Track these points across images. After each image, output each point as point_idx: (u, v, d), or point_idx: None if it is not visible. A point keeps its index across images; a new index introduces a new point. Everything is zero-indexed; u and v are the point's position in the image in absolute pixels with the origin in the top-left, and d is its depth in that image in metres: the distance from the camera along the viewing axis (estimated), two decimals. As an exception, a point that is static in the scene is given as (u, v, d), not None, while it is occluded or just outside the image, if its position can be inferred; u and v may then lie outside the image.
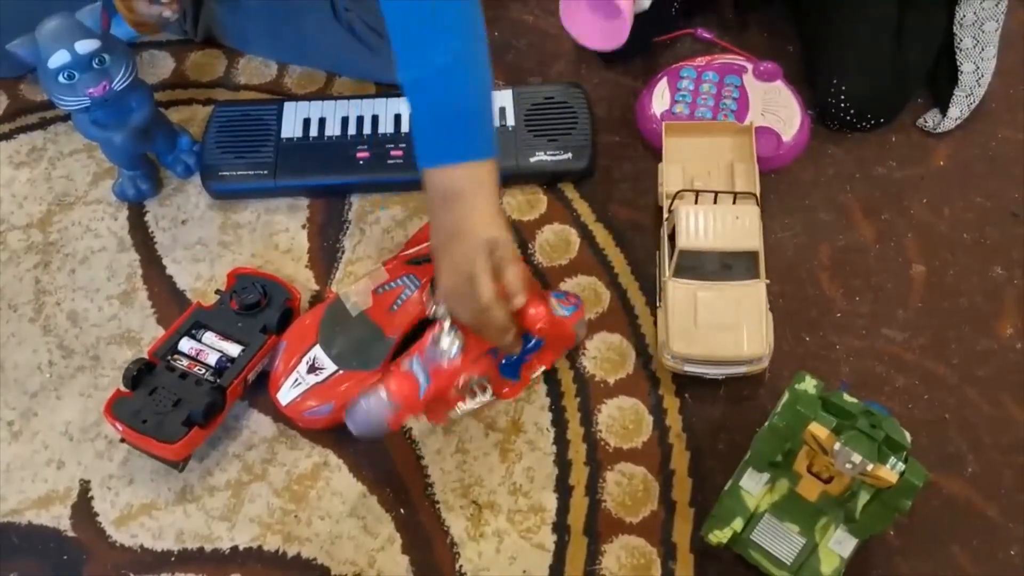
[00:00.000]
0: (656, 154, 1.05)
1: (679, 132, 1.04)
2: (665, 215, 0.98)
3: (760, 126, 1.06)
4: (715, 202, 0.97)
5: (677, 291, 0.91)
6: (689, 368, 0.91)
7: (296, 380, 0.90)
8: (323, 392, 0.90)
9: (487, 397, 0.89)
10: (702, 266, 0.91)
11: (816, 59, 1.13)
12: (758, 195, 0.97)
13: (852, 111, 1.08)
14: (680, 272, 0.92)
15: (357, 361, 0.90)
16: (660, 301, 0.95)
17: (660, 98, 1.11)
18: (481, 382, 0.87)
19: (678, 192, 0.98)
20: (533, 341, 0.89)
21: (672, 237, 0.94)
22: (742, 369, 0.90)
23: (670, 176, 1.02)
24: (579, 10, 0.90)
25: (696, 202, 0.97)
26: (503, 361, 0.88)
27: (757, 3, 1.21)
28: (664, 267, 0.94)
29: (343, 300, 0.94)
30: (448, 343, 0.81)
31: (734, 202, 0.97)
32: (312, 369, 0.91)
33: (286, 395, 0.90)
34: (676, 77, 1.12)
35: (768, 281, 0.92)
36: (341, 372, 0.90)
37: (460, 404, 0.87)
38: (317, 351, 0.91)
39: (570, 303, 0.91)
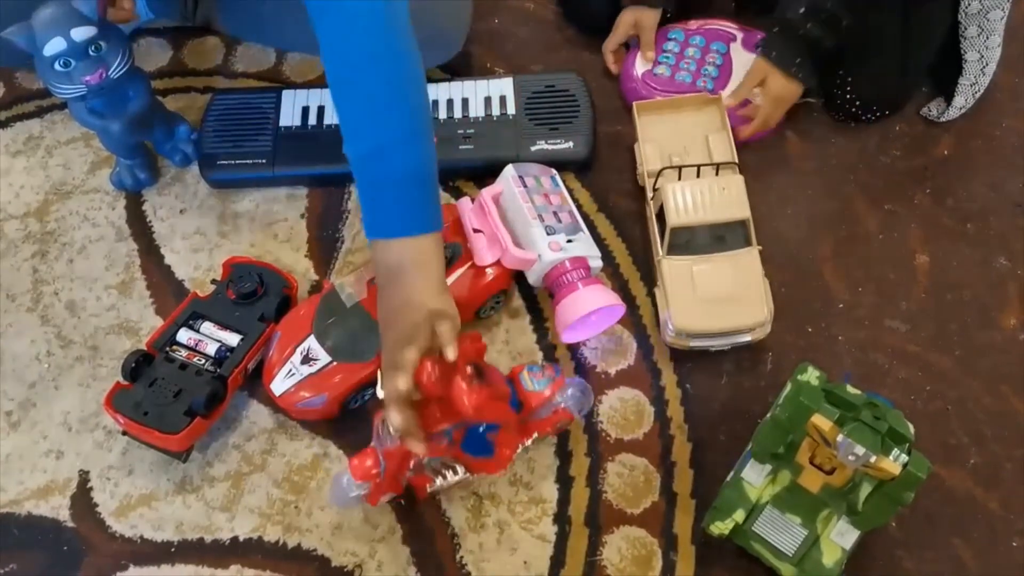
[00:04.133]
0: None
1: (650, 110, 1.05)
2: (649, 195, 0.98)
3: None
4: (698, 176, 0.97)
5: (673, 269, 0.92)
6: (694, 343, 0.91)
7: (290, 371, 0.90)
8: (317, 383, 0.89)
9: (459, 476, 0.83)
10: (694, 241, 0.92)
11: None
12: (737, 163, 0.98)
13: (858, 103, 1.07)
14: (673, 249, 0.92)
15: (351, 353, 0.90)
16: (657, 281, 0.95)
17: (644, 58, 1.11)
18: (444, 462, 0.82)
19: (660, 170, 0.98)
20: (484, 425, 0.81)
21: (660, 216, 0.94)
22: (747, 337, 0.91)
23: (648, 155, 1.02)
24: (579, 328, 0.93)
25: (679, 178, 0.97)
26: (464, 439, 0.80)
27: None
28: (656, 246, 0.94)
29: (338, 291, 0.93)
30: (391, 426, 0.75)
31: (716, 173, 0.97)
32: (306, 360, 0.90)
33: (279, 386, 0.90)
34: (663, 39, 1.12)
35: (761, 247, 0.92)
36: (335, 363, 0.90)
37: (430, 484, 0.83)
38: (311, 342, 0.91)
39: (545, 376, 0.83)
